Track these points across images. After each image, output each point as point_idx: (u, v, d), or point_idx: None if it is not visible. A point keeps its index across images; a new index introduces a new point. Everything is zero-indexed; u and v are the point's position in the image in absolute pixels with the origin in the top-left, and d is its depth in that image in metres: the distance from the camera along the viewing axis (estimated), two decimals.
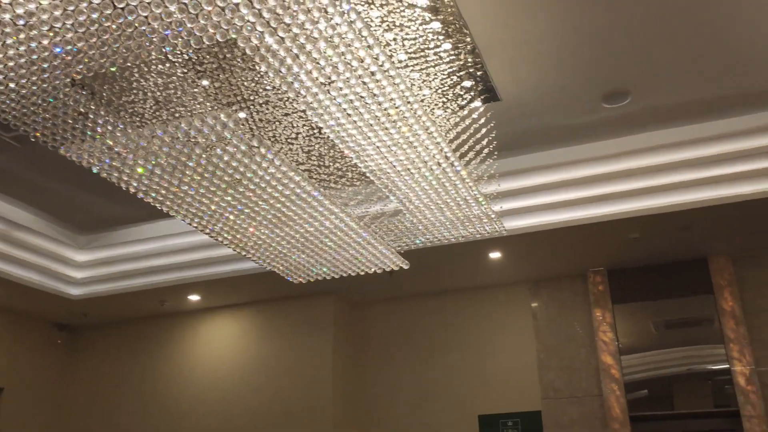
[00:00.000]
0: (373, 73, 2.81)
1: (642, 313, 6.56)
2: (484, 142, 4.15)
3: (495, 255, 6.31)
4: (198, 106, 3.06)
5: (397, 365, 7.35)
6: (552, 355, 6.71)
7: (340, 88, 2.86)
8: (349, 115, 3.05)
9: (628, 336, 6.48)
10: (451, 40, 3.82)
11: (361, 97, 2.95)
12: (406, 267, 4.59)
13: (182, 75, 3.04)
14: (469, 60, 4.11)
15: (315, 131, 3.58)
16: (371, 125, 3.12)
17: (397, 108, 2.98)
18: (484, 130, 4.16)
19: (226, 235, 3.85)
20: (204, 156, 2.98)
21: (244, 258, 4.60)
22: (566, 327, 6.76)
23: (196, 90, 3.12)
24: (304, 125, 3.59)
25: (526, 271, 6.85)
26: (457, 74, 3.96)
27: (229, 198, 3.35)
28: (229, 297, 7.37)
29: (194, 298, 7.31)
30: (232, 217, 3.59)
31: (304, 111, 3.29)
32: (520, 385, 6.78)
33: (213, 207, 3.43)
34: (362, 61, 2.70)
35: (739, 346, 5.92)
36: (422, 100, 3.73)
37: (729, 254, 6.23)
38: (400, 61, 3.56)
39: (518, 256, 6.36)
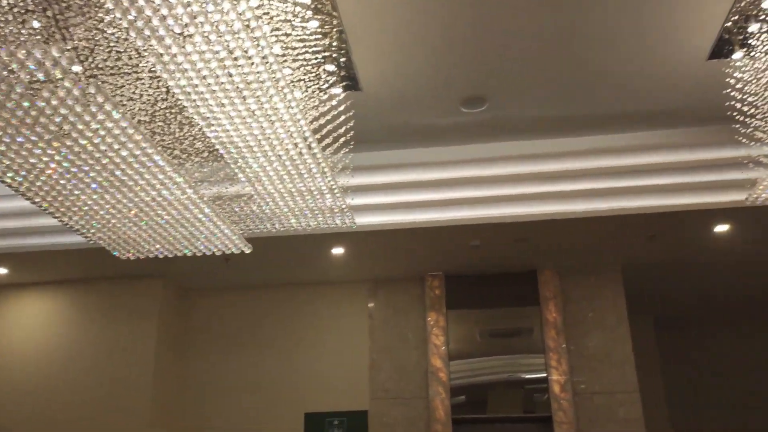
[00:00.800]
0: (236, 32, 2.58)
1: (472, 320, 6.78)
2: (341, 131, 4.02)
3: (338, 251, 6.21)
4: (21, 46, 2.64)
5: (226, 358, 7.01)
6: (384, 356, 6.73)
7: (197, 43, 2.59)
8: (204, 76, 2.79)
9: (458, 341, 6.66)
10: (318, 18, 3.66)
11: (220, 57, 2.70)
12: (248, 251, 4.34)
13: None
14: (335, 44, 3.98)
15: (163, 91, 3.25)
16: (227, 90, 2.87)
17: (258, 74, 2.77)
18: (341, 119, 4.03)
19: (45, 197, 3.38)
20: (26, 97, 2.58)
21: (63, 229, 4.11)
22: (401, 329, 6.81)
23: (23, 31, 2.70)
24: (151, 83, 3.25)
25: (366, 269, 6.83)
26: (322, 55, 3.81)
27: (53, 152, 2.93)
28: (43, 273, 6.64)
29: (1, 271, 6.50)
30: (55, 175, 3.16)
31: (153, 66, 2.96)
32: (350, 384, 6.73)
33: (33, 160, 2.99)
34: (226, 15, 2.46)
35: (558, 355, 6.28)
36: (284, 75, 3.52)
37: (556, 268, 6.61)
38: (264, 33, 3.34)
39: (361, 253, 6.32)
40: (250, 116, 3.07)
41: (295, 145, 3.47)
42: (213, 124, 3.12)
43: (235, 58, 2.71)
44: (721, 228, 5.73)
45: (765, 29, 3.58)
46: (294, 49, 3.39)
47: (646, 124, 5.17)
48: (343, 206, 4.21)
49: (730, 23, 3.92)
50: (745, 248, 6.15)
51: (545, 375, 6.31)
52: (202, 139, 3.59)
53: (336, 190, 4.02)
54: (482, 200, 5.41)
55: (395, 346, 6.75)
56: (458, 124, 5.04)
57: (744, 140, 3.86)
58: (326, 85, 3.92)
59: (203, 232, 3.93)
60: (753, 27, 3.68)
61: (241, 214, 4.27)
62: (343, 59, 4.11)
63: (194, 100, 2.89)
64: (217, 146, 3.36)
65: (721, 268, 6.73)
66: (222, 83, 2.82)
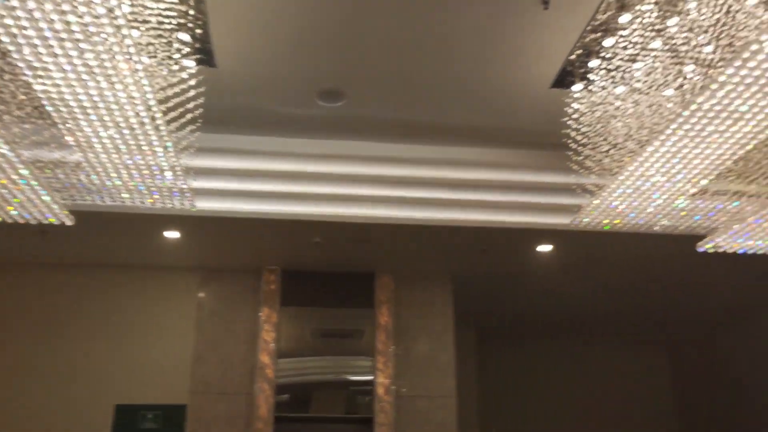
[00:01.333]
0: None
1: (305, 318, 6.71)
2: (190, 106, 3.78)
3: (172, 234, 5.88)
4: None
5: (29, 342, 6.37)
6: (210, 349, 6.46)
7: None
8: (36, 18, 2.48)
9: (288, 339, 6.56)
10: None
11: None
12: (69, 224, 3.95)
13: None
14: (192, 12, 3.74)
15: None
16: (62, 38, 2.58)
17: (101, 25, 2.51)
18: (191, 93, 3.79)
19: None
20: None
21: None
22: (230, 322, 6.58)
23: None
24: None
25: (200, 257, 6.54)
26: (177, 21, 3.56)
27: None
28: None
29: None
30: None
31: None
32: (170, 377, 6.38)
33: None
34: None
35: (385, 358, 6.38)
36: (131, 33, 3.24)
37: (393, 273, 6.72)
38: None
39: (196, 240, 6.02)
40: (87, 72, 2.79)
41: (137, 113, 3.22)
42: (41, 76, 2.80)
43: (75, 4, 2.44)
44: (545, 248, 6.13)
45: (603, 66, 3.88)
46: (146, 8, 3.14)
47: (489, 140, 5.41)
48: (184, 187, 3.98)
49: (573, 56, 4.19)
50: (566, 268, 6.63)
51: (372, 377, 6.38)
52: (27, 92, 3.21)
53: (177, 169, 3.78)
54: (328, 197, 5.37)
55: (223, 340, 6.51)
56: (313, 116, 4.96)
57: (575, 168, 4.14)
58: (178, 55, 3.68)
59: (18, 197, 3.52)
60: (593, 62, 3.97)
61: (66, 182, 3.88)
62: (199, 30, 3.87)
63: (20, 44, 2.57)
64: (44, 102, 3.01)
65: (543, 285, 7.21)
66: (57, 30, 2.52)
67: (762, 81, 2.86)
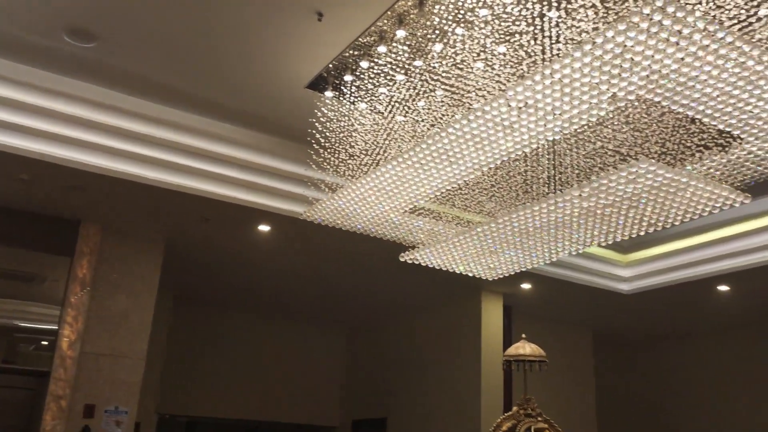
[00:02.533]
0: None
1: None
2: None
3: None
4: None
5: None
6: None
7: None
8: None
9: None
10: None
11: None
12: None
13: None
14: None
15: None
16: None
17: None
18: None
19: None
20: None
21: None
22: None
23: None
24: None
25: None
26: None
27: None
28: None
29: None
30: None
31: None
32: None
33: None
34: None
35: (76, 312, 6.05)
36: None
37: (101, 225, 6.37)
38: None
39: None
40: None
41: None
42: None
43: None
44: (264, 228, 6.39)
45: (356, 83, 4.28)
46: None
47: (236, 120, 5.52)
48: None
49: (331, 65, 4.52)
50: (280, 250, 6.98)
51: (56, 328, 6.01)
52: None
53: None
54: (48, 135, 4.97)
55: None
56: (59, 52, 4.56)
57: (312, 165, 4.49)
58: None
59: None
60: (348, 77, 4.34)
61: None
62: None
63: None
64: None
65: (254, 261, 7.48)
66: None
67: (478, 138, 3.46)
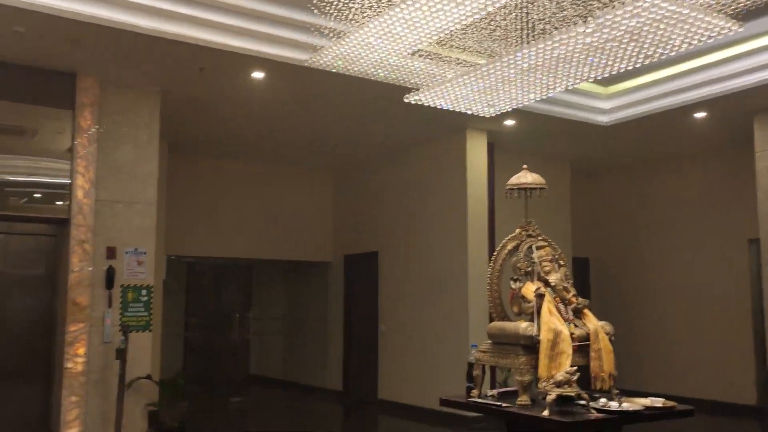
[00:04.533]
0: None
1: None
2: None
3: None
4: None
5: None
6: None
7: None
8: None
9: None
10: None
11: None
12: None
13: None
14: None
15: None
16: None
17: None
18: None
19: None
20: None
21: None
22: None
23: None
24: None
25: None
26: None
27: None
28: None
29: None
30: None
31: None
32: None
33: None
34: None
35: (86, 162, 6.26)
36: None
37: (97, 76, 6.39)
38: None
39: None
40: None
41: None
42: None
43: None
44: (258, 75, 6.47)
45: None
46: None
47: None
48: None
49: None
50: (276, 97, 7.12)
51: (69, 181, 6.26)
52: None
53: None
54: None
55: None
56: None
57: (315, 10, 4.52)
58: None
59: None
60: None
61: None
62: None
63: None
64: None
65: (249, 110, 7.62)
66: None
67: None
